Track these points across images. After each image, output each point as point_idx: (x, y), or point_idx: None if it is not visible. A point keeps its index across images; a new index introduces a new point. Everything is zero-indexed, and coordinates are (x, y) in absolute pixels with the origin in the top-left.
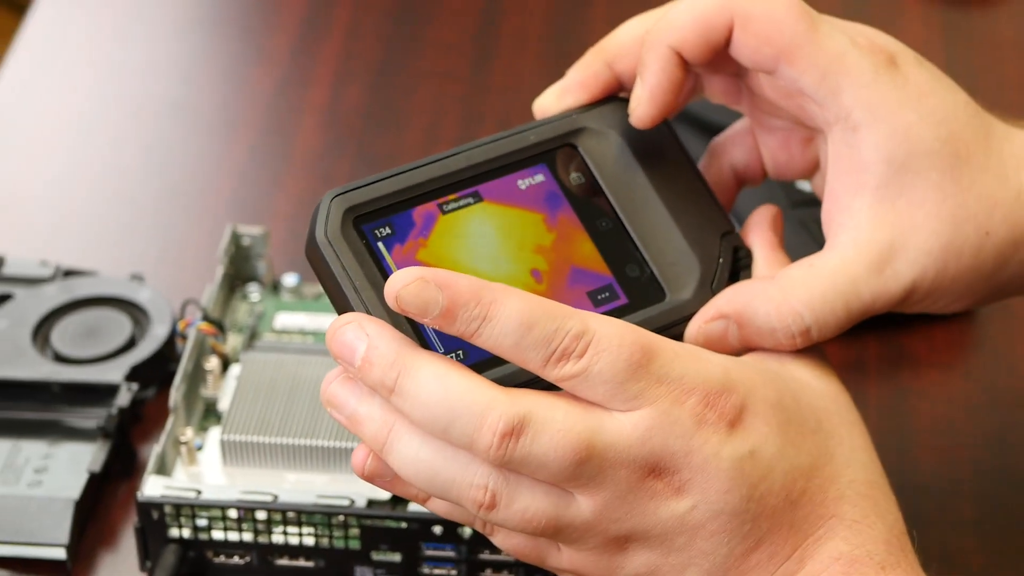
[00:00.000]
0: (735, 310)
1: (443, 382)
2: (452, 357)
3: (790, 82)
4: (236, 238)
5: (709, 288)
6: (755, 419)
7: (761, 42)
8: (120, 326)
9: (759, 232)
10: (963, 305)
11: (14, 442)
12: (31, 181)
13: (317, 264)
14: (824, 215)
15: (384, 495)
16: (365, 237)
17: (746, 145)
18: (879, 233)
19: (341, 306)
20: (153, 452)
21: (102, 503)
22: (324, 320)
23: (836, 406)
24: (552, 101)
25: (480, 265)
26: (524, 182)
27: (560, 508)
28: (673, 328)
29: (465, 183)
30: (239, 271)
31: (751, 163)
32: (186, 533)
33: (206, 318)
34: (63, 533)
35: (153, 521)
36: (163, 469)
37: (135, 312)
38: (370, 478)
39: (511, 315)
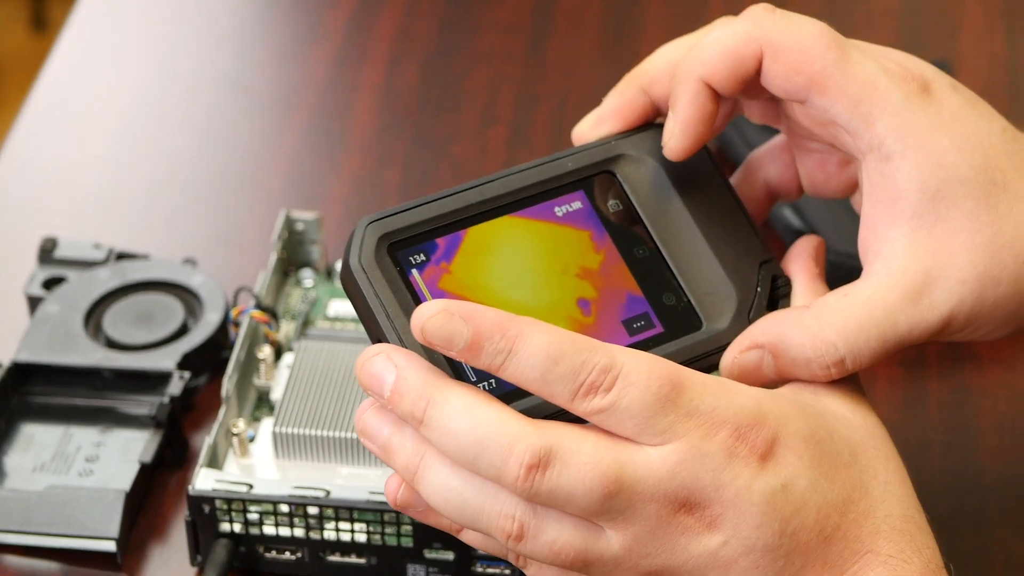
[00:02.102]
0: (770, 340)
1: (471, 413)
2: (483, 386)
3: (821, 111)
4: (289, 223)
5: (746, 317)
6: (787, 452)
7: (791, 72)
8: (172, 312)
9: (800, 262)
10: (1005, 332)
11: (65, 429)
12: (84, 162)
13: (351, 290)
14: (860, 243)
15: None
16: (399, 264)
17: (782, 161)
18: (915, 262)
19: (374, 334)
20: (205, 444)
21: (153, 493)
22: None
23: (871, 439)
24: (589, 128)
25: (517, 293)
26: (561, 209)
27: (589, 542)
28: (709, 358)
29: (502, 209)
30: (292, 256)
31: (787, 180)
32: (237, 527)
33: (259, 306)
34: (113, 526)
35: (204, 515)
36: (215, 461)
37: (187, 297)
38: (403, 507)
39: (537, 349)
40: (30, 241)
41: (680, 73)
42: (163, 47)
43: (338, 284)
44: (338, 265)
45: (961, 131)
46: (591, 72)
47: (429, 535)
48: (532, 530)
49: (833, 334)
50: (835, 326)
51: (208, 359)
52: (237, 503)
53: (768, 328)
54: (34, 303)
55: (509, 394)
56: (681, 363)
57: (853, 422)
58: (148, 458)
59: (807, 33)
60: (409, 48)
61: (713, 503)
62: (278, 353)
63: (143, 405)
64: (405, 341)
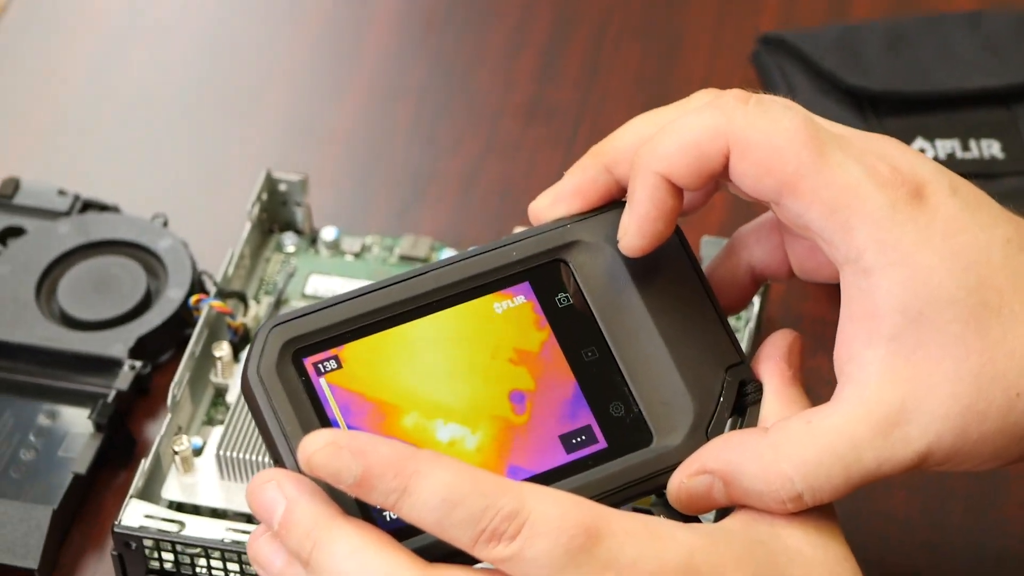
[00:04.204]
0: (720, 467)
1: (358, 559)
2: (386, 516)
3: (795, 217)
4: (271, 184)
5: (704, 432)
6: None
7: (761, 173)
8: (134, 281)
9: (772, 363)
10: (993, 466)
11: (12, 404)
12: (55, 95)
13: (248, 401)
14: (835, 360)
15: None
16: (305, 374)
17: (771, 243)
18: (889, 391)
19: (271, 453)
20: (140, 468)
21: (93, 497)
22: (360, 285)
23: None
24: (545, 207)
25: (443, 395)
26: (502, 304)
27: None
28: (656, 479)
29: (432, 307)
30: (275, 216)
31: (775, 263)
32: (168, 564)
33: (221, 293)
34: (34, 553)
35: (131, 550)
36: (155, 476)
37: (152, 264)
38: None
39: (434, 491)
40: None
41: (638, 165)
42: None
43: (321, 255)
44: (324, 232)
45: (953, 245)
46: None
47: None
48: None
49: (790, 467)
50: (793, 459)
51: (168, 340)
52: (166, 543)
53: (720, 453)
54: None
55: (406, 528)
56: (624, 485)
57: (811, 560)
58: (83, 469)
59: (780, 128)
60: None
61: None
62: (245, 338)
63: (95, 385)
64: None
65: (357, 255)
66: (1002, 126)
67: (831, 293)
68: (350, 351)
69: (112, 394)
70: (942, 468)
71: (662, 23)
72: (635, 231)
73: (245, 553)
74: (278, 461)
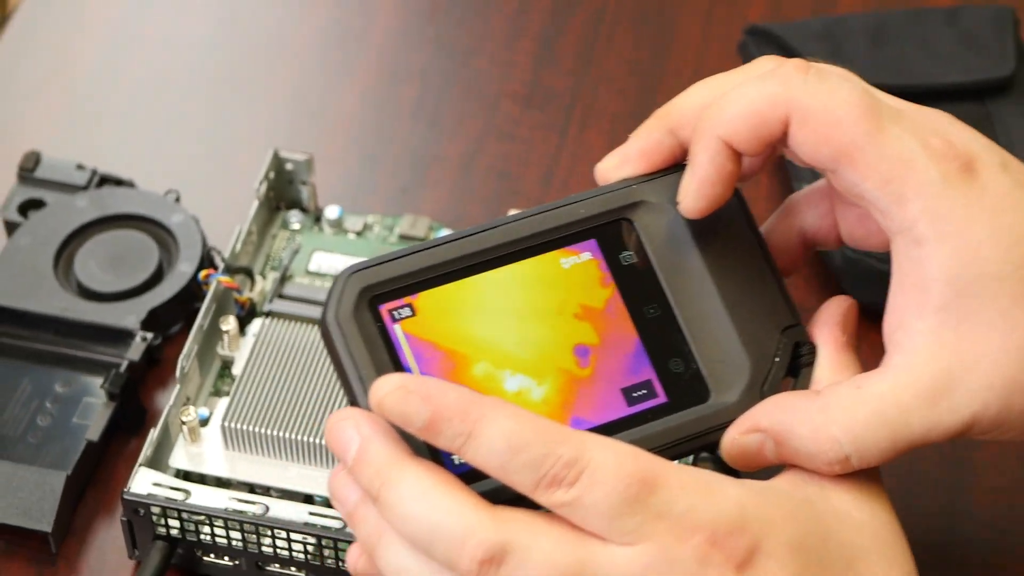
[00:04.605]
0: (772, 426)
1: (426, 499)
2: (454, 459)
3: (851, 185)
4: (278, 163)
5: (759, 391)
6: (769, 562)
7: (819, 142)
8: (147, 254)
9: (827, 329)
10: None
11: (29, 370)
12: (72, 80)
13: (327, 345)
14: (884, 328)
15: None
16: (380, 320)
17: (822, 208)
18: (937, 360)
19: (347, 395)
20: (149, 438)
21: (105, 463)
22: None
23: (875, 542)
24: (612, 168)
25: (509, 346)
26: (568, 260)
27: None
28: (711, 434)
29: (501, 260)
30: (281, 194)
31: (825, 228)
32: (174, 531)
33: (229, 269)
34: (48, 517)
35: (140, 517)
36: (159, 456)
37: (165, 238)
38: None
39: (498, 435)
40: (14, 157)
41: (700, 129)
42: None
43: (325, 233)
44: (328, 211)
45: (1003, 221)
46: None
47: None
48: None
49: (838, 430)
50: (842, 422)
51: (178, 313)
52: (172, 511)
53: (772, 412)
54: (11, 227)
55: (472, 472)
56: (681, 439)
57: (858, 522)
58: (96, 436)
59: (839, 100)
60: None
61: None
62: (252, 312)
63: (109, 355)
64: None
65: (359, 233)
66: (976, 121)
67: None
68: (423, 300)
69: (124, 364)
70: (987, 437)
71: (654, 13)
72: (695, 194)
73: (247, 522)
74: (354, 403)
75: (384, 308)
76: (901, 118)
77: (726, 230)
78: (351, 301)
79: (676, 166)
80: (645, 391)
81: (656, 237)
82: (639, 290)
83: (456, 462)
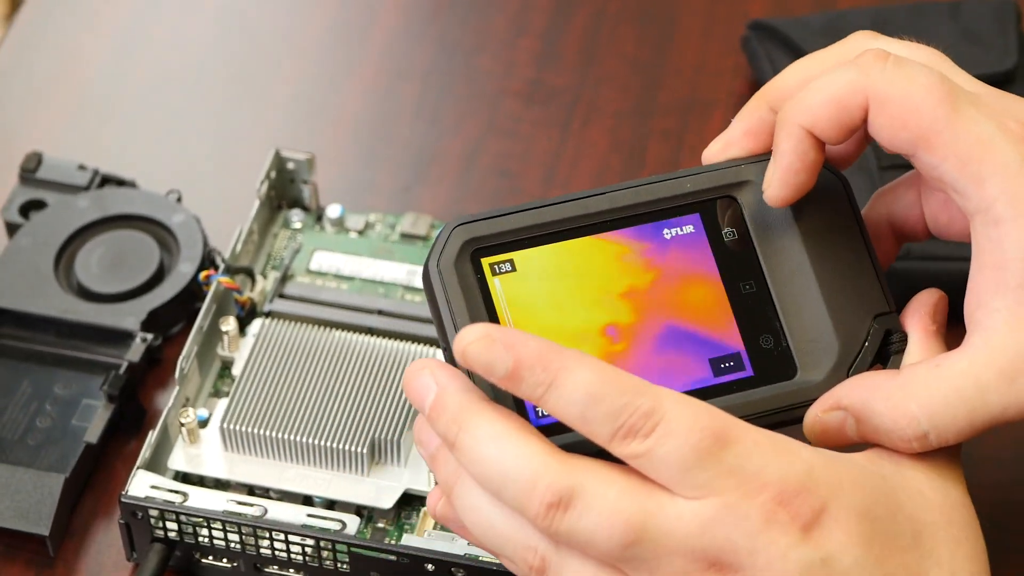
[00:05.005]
0: (853, 404)
1: (499, 443)
2: (534, 412)
3: (930, 168)
4: (279, 162)
5: (845, 372)
6: (834, 525)
7: (897, 127)
8: (148, 255)
9: (917, 317)
10: None
11: (29, 371)
12: (75, 80)
13: (427, 292)
14: (965, 308)
15: (383, 521)
16: (481, 272)
17: (908, 199)
18: (1015, 339)
19: (441, 339)
20: (147, 440)
21: (104, 465)
22: (362, 264)
23: (946, 522)
24: (717, 153)
25: (597, 314)
26: (671, 231)
27: None
28: (795, 410)
29: (604, 225)
30: (283, 193)
31: (911, 219)
32: (172, 534)
33: (229, 270)
34: (45, 520)
35: (138, 519)
36: (157, 457)
37: (166, 238)
38: (440, 520)
39: (579, 385)
40: (16, 158)
41: (782, 119)
42: None
43: (327, 232)
44: (330, 210)
45: None
46: None
47: (367, 565)
48: (554, 566)
49: (917, 408)
50: (920, 399)
51: (179, 313)
52: (170, 513)
53: (854, 391)
54: (12, 229)
55: (553, 425)
56: (765, 412)
57: (931, 501)
58: (94, 438)
59: (917, 85)
60: None
61: (744, 567)
62: (252, 312)
63: (109, 356)
64: None
65: (360, 232)
66: None
67: None
68: (524, 257)
69: (124, 365)
70: None
71: (656, 9)
72: (779, 182)
73: (245, 524)
74: (447, 350)
75: (486, 261)
76: (979, 102)
77: (827, 214)
78: (453, 251)
79: None
80: (733, 363)
81: (758, 216)
82: (737, 266)
83: (539, 414)
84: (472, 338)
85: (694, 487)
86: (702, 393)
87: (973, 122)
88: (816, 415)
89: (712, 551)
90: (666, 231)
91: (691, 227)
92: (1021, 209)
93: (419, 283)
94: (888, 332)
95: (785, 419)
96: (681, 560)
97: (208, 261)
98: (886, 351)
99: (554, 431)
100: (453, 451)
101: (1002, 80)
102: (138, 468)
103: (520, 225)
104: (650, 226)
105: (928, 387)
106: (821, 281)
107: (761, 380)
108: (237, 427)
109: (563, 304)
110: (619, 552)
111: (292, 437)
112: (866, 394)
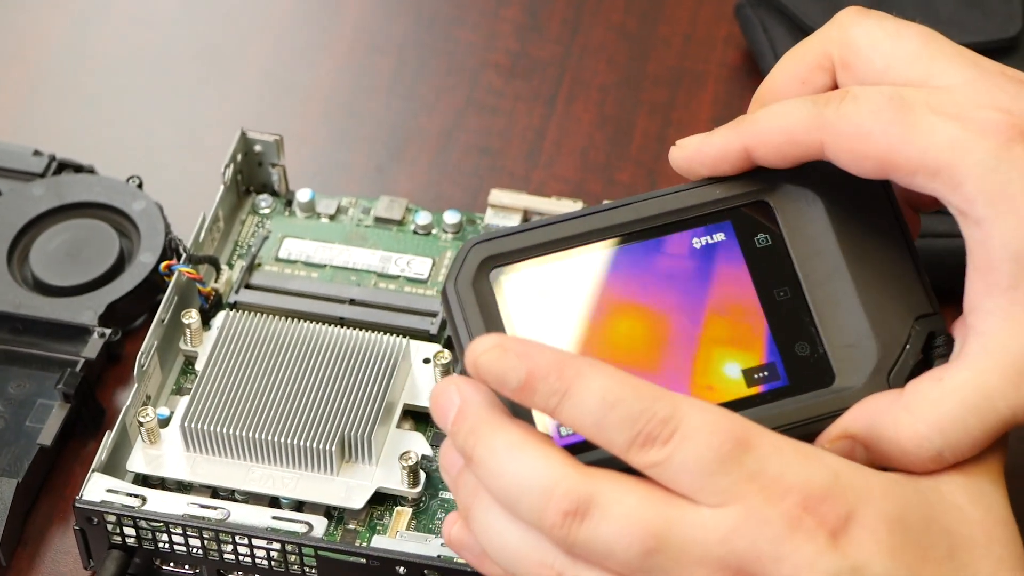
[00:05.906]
0: (861, 431)
1: (515, 454)
2: (561, 431)
3: (907, 184)
4: (246, 144)
5: (885, 378)
6: (864, 533)
7: (859, 158)
8: (107, 245)
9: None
10: None
11: None
12: (29, 60)
13: (446, 311)
14: (963, 308)
15: (353, 522)
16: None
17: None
18: (1013, 340)
19: (460, 358)
20: (104, 442)
21: (60, 466)
22: (334, 251)
23: (985, 537)
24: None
25: (624, 327)
26: (700, 240)
27: None
28: (832, 418)
29: (630, 237)
30: (251, 177)
31: (909, 224)
32: (130, 540)
33: (192, 259)
34: None
35: (93, 525)
36: (115, 459)
37: (126, 227)
38: (456, 547)
39: (594, 392)
40: None
41: (738, 128)
42: None
43: (297, 217)
44: (300, 194)
45: None
46: None
47: (334, 569)
48: None
49: (925, 427)
50: (927, 418)
51: (139, 306)
52: (127, 519)
53: (858, 418)
54: None
55: (578, 444)
56: (802, 422)
57: (970, 516)
58: (48, 441)
59: (865, 113)
60: None
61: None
62: (217, 304)
63: (66, 353)
64: None
65: (332, 217)
66: None
67: None
68: (546, 274)
69: (80, 362)
70: None
71: None
72: (690, 156)
73: (206, 528)
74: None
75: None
76: (941, 103)
77: (866, 215)
78: (471, 270)
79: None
80: (767, 373)
81: (793, 219)
82: (771, 272)
83: (561, 433)
84: (484, 348)
85: (715, 493)
86: (735, 405)
87: (932, 131)
88: (822, 447)
89: (735, 559)
90: (695, 240)
91: (722, 235)
92: (1000, 207)
93: (394, 270)
94: (931, 335)
95: (822, 428)
96: (704, 570)
97: (171, 250)
98: (930, 355)
99: (577, 450)
100: (471, 466)
101: (1006, 47)
102: (93, 471)
103: (540, 241)
104: (678, 235)
105: (934, 404)
106: (858, 283)
107: (797, 389)
108: (199, 426)
109: (586, 320)
110: (639, 562)
111: (257, 435)
112: (872, 419)
